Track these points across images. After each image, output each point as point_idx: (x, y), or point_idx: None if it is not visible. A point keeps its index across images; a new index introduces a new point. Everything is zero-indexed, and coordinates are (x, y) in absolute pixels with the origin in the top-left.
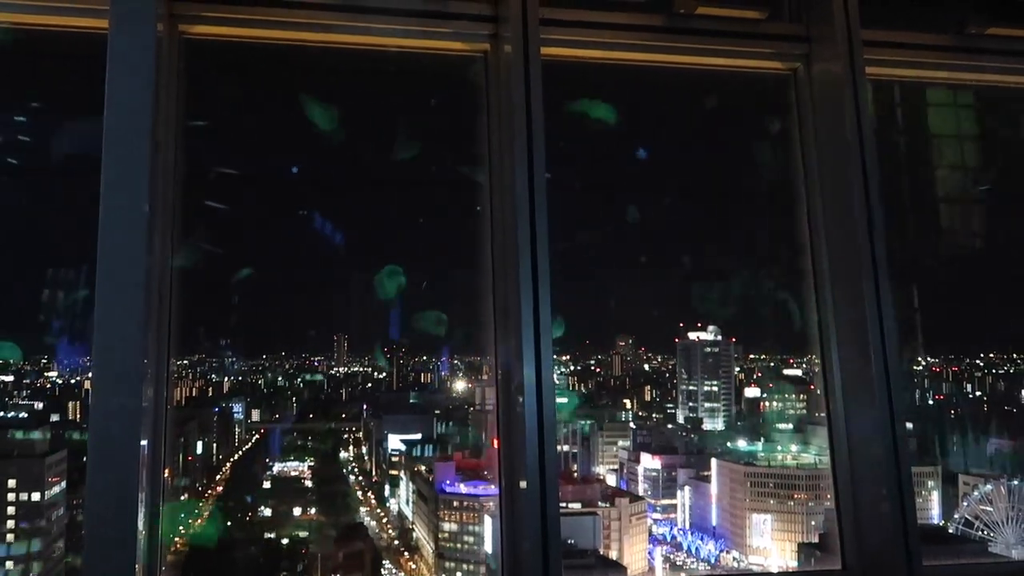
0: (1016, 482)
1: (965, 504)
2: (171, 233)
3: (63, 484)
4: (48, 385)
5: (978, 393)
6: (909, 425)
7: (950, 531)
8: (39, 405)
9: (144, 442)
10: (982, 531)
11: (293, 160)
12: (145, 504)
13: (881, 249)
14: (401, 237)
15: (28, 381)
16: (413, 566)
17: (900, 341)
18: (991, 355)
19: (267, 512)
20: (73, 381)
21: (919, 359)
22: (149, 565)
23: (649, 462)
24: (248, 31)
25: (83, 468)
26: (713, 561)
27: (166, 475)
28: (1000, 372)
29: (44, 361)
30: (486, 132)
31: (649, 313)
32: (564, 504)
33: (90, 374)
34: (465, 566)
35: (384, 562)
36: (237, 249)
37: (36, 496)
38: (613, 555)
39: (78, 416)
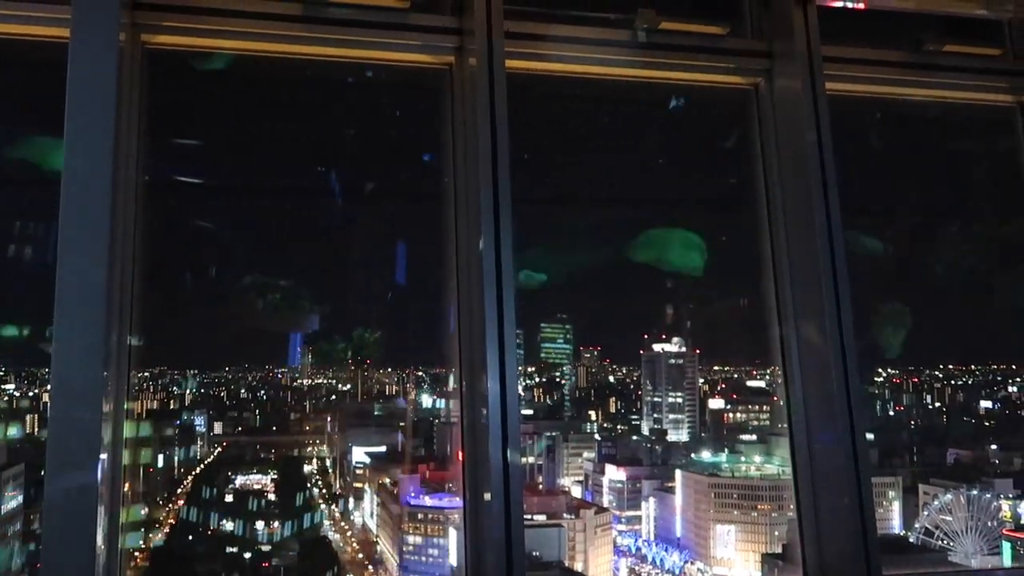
0: (975, 492)
1: (925, 514)
2: (132, 243)
3: (20, 498)
4: (5, 397)
5: (937, 404)
6: (870, 436)
7: (911, 540)
8: None
9: (103, 456)
10: (942, 540)
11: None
12: (104, 518)
13: (841, 262)
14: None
15: None
16: None
17: (860, 353)
18: (950, 367)
19: (229, 526)
20: (31, 393)
21: (880, 370)
22: None
23: (614, 473)
24: (210, 41)
25: (40, 481)
26: (678, 572)
27: (125, 488)
28: (959, 383)
29: (1, 373)
30: (450, 144)
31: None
32: (529, 516)
33: (48, 386)
34: None
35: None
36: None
37: None
38: (578, 567)
39: (36, 430)
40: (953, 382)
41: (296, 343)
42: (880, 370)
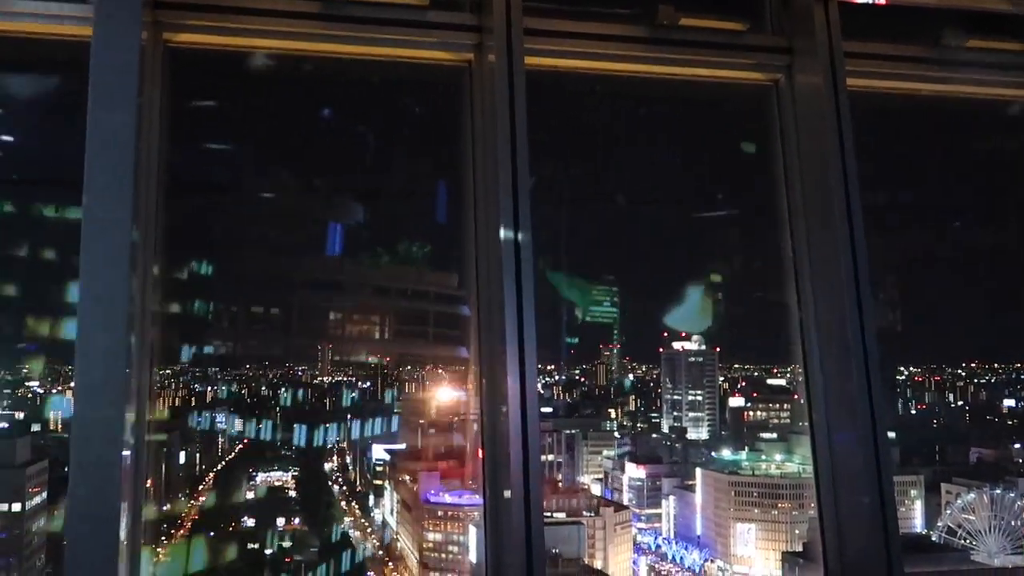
0: (999, 491)
1: (948, 513)
2: (154, 243)
3: (44, 495)
4: (29, 395)
5: (960, 403)
6: (891, 435)
7: (933, 539)
8: (20, 415)
9: (126, 452)
10: (965, 540)
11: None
12: (127, 514)
13: (863, 259)
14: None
15: (8, 391)
16: (397, 575)
17: (882, 351)
18: (973, 365)
19: (250, 522)
20: (55, 391)
21: (901, 368)
22: (132, 574)
23: (634, 471)
24: (232, 39)
25: (64, 478)
26: (698, 570)
27: (148, 485)
28: (982, 382)
29: (25, 371)
30: (470, 141)
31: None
32: (549, 513)
33: (72, 384)
34: (449, 575)
35: (368, 573)
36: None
37: (16, 507)
38: (598, 564)
39: (59, 427)
40: (976, 380)
41: (336, 234)
42: (902, 368)
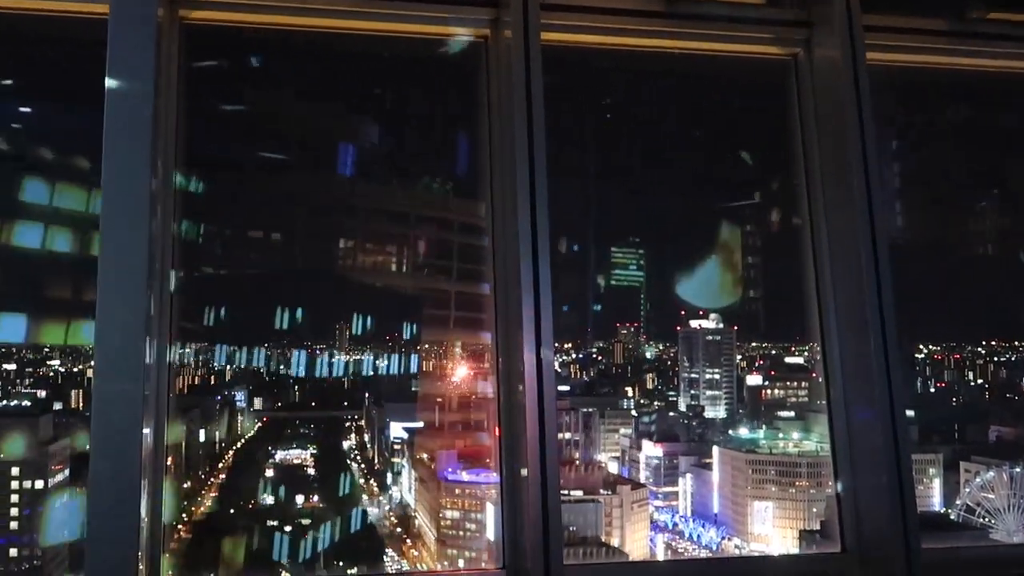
0: (1018, 469)
1: (967, 491)
2: (173, 220)
3: (66, 472)
4: (51, 374)
5: (979, 381)
6: (910, 413)
7: (952, 518)
8: (42, 393)
9: (147, 430)
10: (983, 518)
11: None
12: (147, 491)
13: (882, 236)
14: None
15: (30, 370)
16: (415, 553)
17: (901, 328)
18: (993, 343)
19: (269, 500)
20: (76, 369)
21: (921, 347)
22: (151, 551)
23: (651, 450)
24: (246, 16)
25: (86, 456)
26: (715, 548)
27: (168, 463)
28: (1002, 360)
29: (47, 349)
30: (487, 118)
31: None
32: (566, 491)
33: (92, 361)
34: (467, 553)
35: (387, 549)
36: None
37: (39, 484)
38: (615, 542)
39: (80, 404)
40: (996, 359)
41: (349, 154)
42: (921, 347)
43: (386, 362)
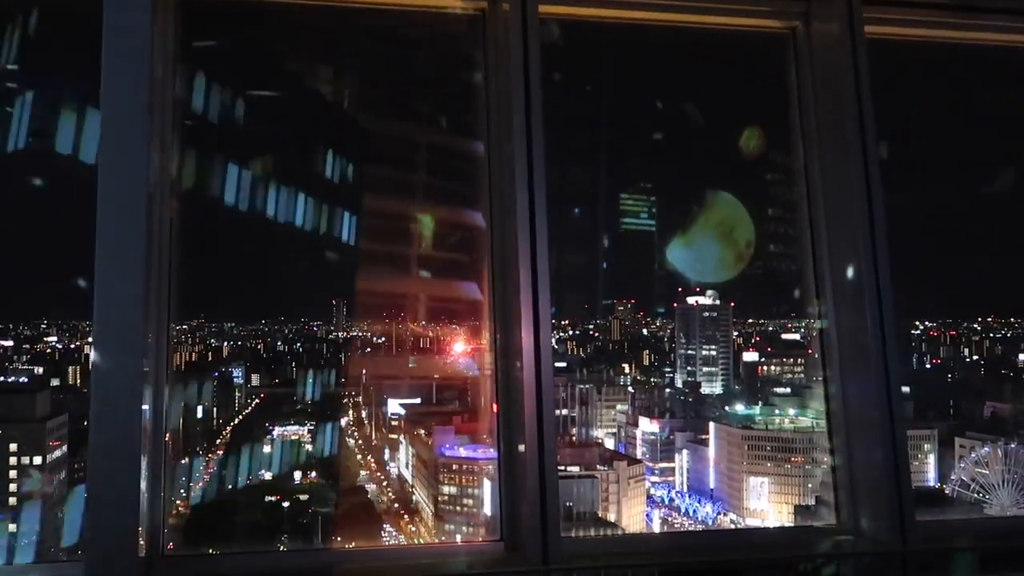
0: (1013, 445)
1: (961, 466)
2: (170, 196)
3: (64, 448)
4: (48, 350)
5: (975, 357)
6: (906, 389)
7: (946, 492)
8: (39, 370)
9: (146, 406)
10: (978, 493)
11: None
12: (147, 467)
13: (879, 211)
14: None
15: (28, 346)
16: (413, 528)
17: (897, 304)
18: (989, 319)
19: (268, 476)
20: (73, 346)
21: (917, 323)
22: (152, 527)
23: (647, 426)
24: None
25: (84, 432)
26: (711, 523)
27: (167, 439)
28: (997, 336)
29: (44, 326)
30: (483, 92)
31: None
32: (563, 467)
33: (91, 336)
34: (464, 528)
35: (384, 524)
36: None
37: (37, 460)
38: (611, 517)
39: (78, 381)
40: (991, 335)
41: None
42: (917, 323)
43: (383, 339)
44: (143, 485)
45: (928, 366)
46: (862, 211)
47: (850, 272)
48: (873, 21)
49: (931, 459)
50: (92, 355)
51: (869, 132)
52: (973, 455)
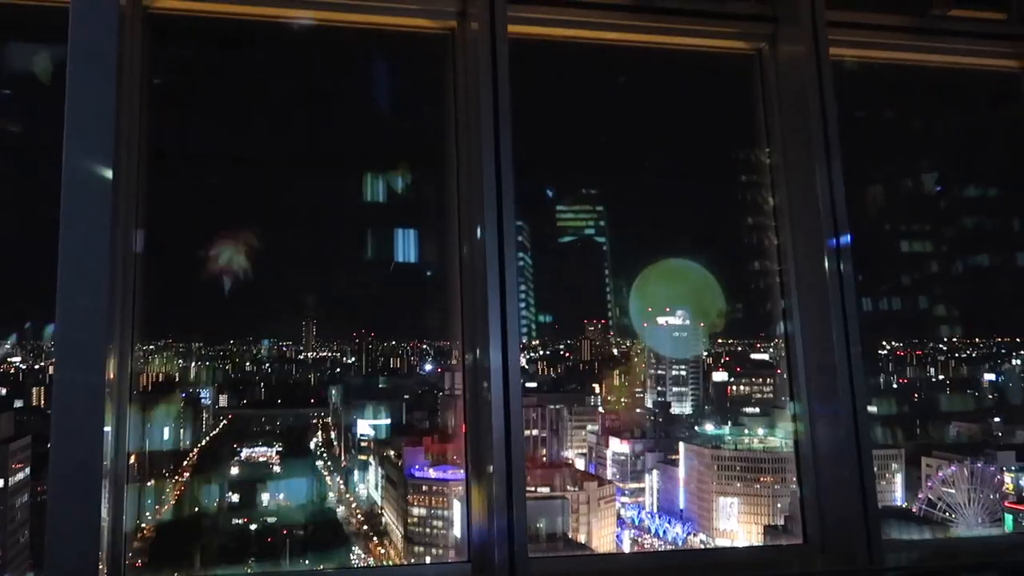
0: (978, 464)
1: (928, 486)
2: (135, 212)
3: (27, 470)
4: (11, 371)
5: (941, 377)
6: (872, 409)
7: (913, 511)
8: (2, 391)
9: (108, 428)
10: (944, 513)
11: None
12: (109, 490)
13: (844, 233)
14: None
15: None
16: (382, 551)
17: (863, 325)
18: (955, 339)
19: (235, 498)
20: (37, 366)
21: (883, 343)
22: (113, 549)
23: (617, 446)
24: (210, 5)
25: (47, 453)
26: (680, 543)
27: (131, 461)
28: (963, 356)
29: (7, 346)
30: (452, 111)
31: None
32: (533, 488)
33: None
34: (434, 550)
35: (353, 547)
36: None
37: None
38: (582, 538)
39: (42, 402)
40: (957, 355)
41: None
42: (884, 343)
43: (353, 359)
44: (104, 507)
45: (895, 385)
46: (828, 230)
47: (816, 292)
48: (838, 43)
49: (899, 478)
50: (54, 370)
51: (834, 151)
52: (939, 474)
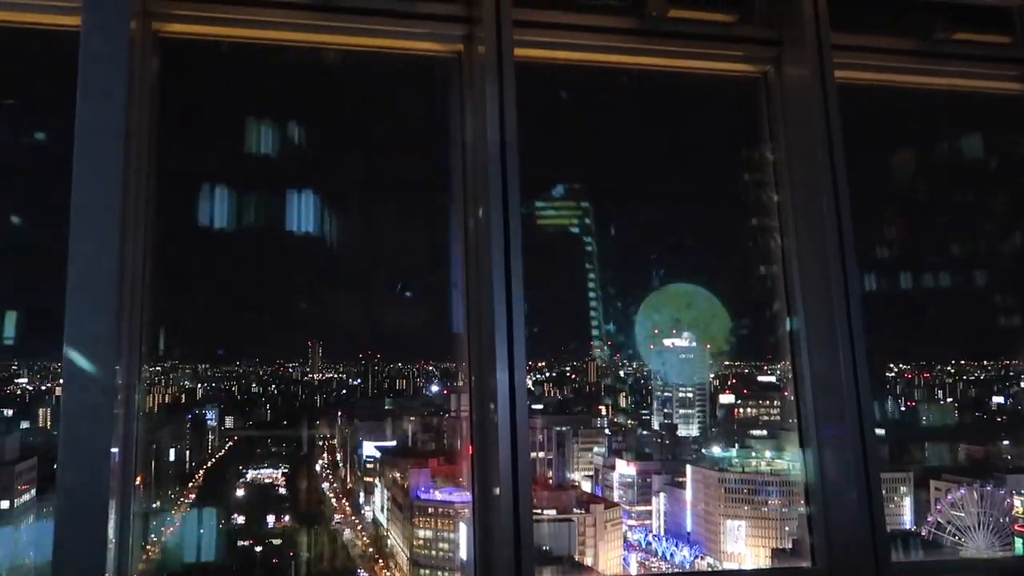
0: (988, 488)
1: (937, 509)
2: (144, 236)
3: (33, 492)
4: (18, 392)
5: (949, 399)
6: (880, 431)
7: (922, 535)
8: (8, 412)
9: (115, 449)
10: (954, 536)
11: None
12: (116, 510)
13: (851, 254)
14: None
15: None
16: (388, 573)
17: (871, 347)
18: (962, 362)
19: (240, 520)
20: (44, 388)
21: (891, 366)
22: (119, 571)
23: (624, 468)
24: (220, 29)
25: (53, 476)
26: (688, 567)
27: (137, 482)
28: (971, 379)
29: (14, 367)
30: (459, 134)
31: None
32: (539, 510)
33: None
34: (440, 573)
35: (359, 570)
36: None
37: (5, 504)
38: (588, 561)
39: (48, 423)
40: (965, 377)
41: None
42: (892, 365)
43: (358, 381)
44: (111, 528)
45: (903, 408)
46: (834, 253)
47: (823, 314)
48: (843, 66)
49: (907, 501)
50: (62, 392)
51: (840, 174)
52: (948, 498)
